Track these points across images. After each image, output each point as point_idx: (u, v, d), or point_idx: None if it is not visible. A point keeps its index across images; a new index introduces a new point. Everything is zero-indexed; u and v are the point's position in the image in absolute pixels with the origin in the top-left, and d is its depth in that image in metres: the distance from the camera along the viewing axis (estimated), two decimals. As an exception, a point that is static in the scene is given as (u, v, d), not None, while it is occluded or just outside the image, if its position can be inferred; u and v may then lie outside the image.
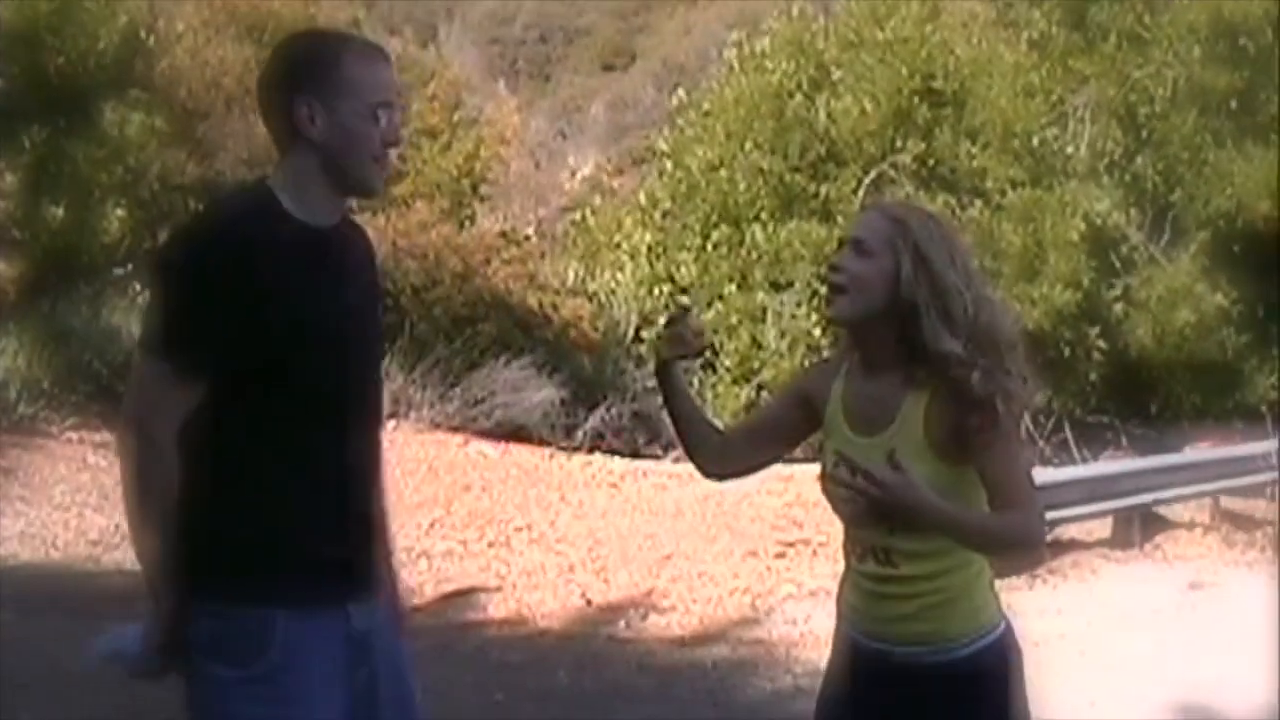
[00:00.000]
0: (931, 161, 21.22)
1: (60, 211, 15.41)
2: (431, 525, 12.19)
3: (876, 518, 3.37)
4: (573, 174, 34.93)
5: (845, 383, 3.56)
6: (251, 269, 3.13)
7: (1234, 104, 21.48)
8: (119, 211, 16.12)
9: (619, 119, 50.74)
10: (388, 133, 3.30)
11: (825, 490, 3.55)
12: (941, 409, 3.37)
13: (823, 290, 3.53)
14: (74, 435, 13.59)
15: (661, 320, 3.58)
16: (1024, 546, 3.52)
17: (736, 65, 23.37)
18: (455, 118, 19.84)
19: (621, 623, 9.75)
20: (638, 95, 52.08)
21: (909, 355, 3.42)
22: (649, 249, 22.05)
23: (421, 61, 21.89)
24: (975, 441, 3.36)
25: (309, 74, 3.24)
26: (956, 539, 3.40)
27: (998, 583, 9.68)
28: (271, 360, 3.14)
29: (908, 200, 4.08)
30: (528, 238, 20.61)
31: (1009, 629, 3.56)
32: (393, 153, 3.44)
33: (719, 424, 4.34)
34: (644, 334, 20.80)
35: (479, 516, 12.56)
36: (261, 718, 3.18)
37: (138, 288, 15.81)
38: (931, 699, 3.47)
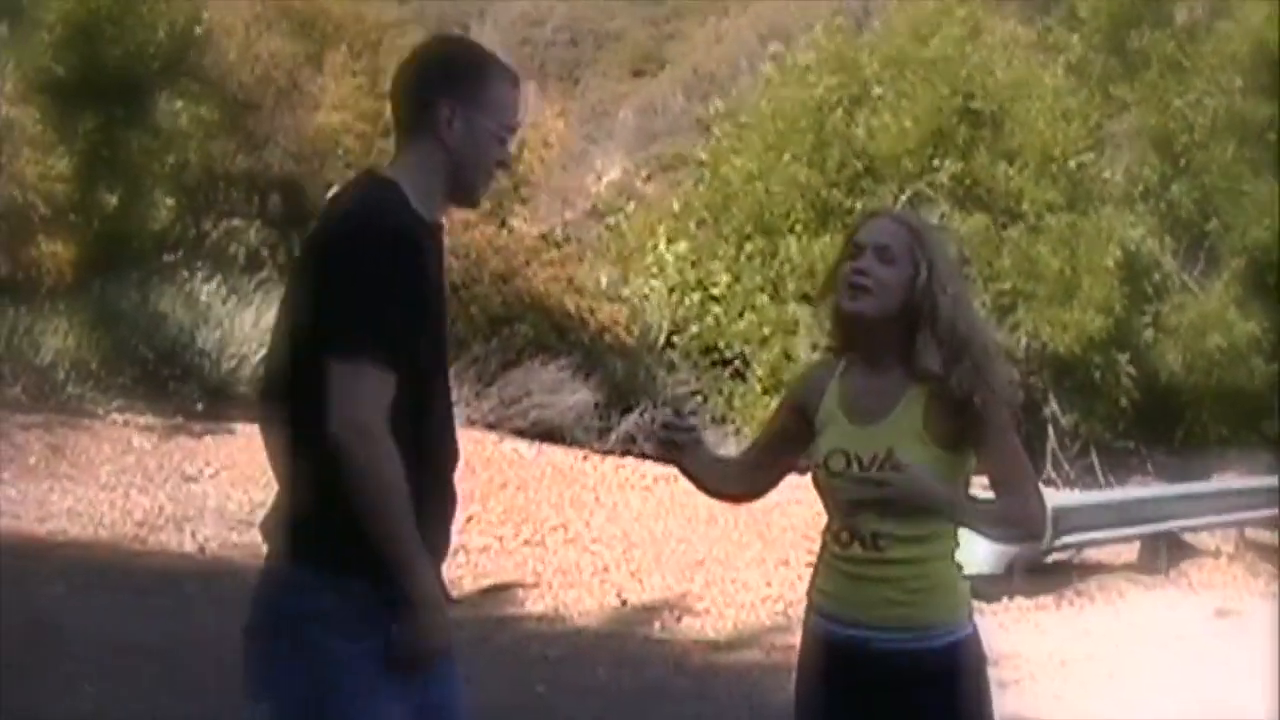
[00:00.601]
0: (968, 181, 21.31)
1: (113, 198, 15.60)
2: (468, 520, 12.33)
3: (879, 507, 3.60)
4: (599, 178, 35.01)
5: (843, 380, 3.79)
6: (423, 263, 3.32)
7: (1272, 135, 21.56)
8: (169, 200, 16.31)
9: (647, 125, 50.82)
10: (504, 154, 3.49)
11: (817, 481, 3.77)
12: (940, 403, 3.62)
13: None
14: (119, 417, 13.80)
15: (657, 422, 3.78)
16: (1023, 526, 3.83)
17: (777, 77, 23.51)
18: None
19: (656, 624, 9.93)
20: (667, 102, 52.16)
21: (912, 352, 3.66)
22: (682, 257, 22.21)
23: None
24: (969, 435, 3.64)
25: (459, 81, 3.41)
26: (961, 523, 3.67)
27: (1027, 602, 9.87)
28: (417, 352, 3.30)
29: (909, 210, 4.31)
30: (567, 240, 20.76)
31: (979, 633, 3.77)
32: (500, 174, 3.64)
33: (733, 448, 4.63)
34: (676, 340, 20.98)
35: (515, 514, 12.73)
36: (372, 691, 3.33)
37: (185, 274, 16.04)
38: (910, 692, 3.63)
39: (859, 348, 3.76)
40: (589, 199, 30.78)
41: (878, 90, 22.14)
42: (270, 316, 15.66)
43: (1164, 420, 21.83)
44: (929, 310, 3.64)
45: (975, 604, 10.47)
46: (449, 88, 3.41)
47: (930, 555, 3.67)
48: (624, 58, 59.81)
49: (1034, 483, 3.78)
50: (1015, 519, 3.73)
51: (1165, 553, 13.61)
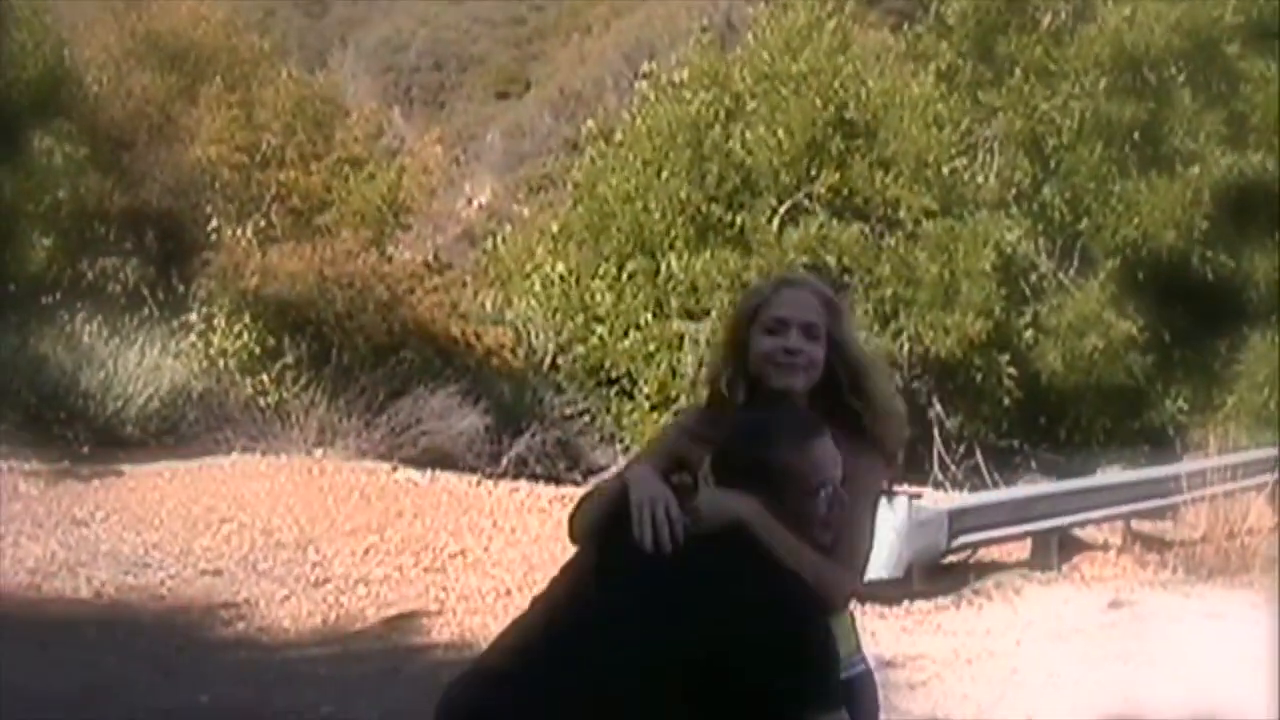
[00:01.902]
0: (846, 191, 21.52)
1: (-12, 241, 15.42)
2: (366, 551, 12.30)
3: None
4: (470, 201, 35.00)
5: None
6: None
7: (1138, 135, 21.97)
8: (45, 240, 16.13)
9: (515, 147, 50.91)
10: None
11: None
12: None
13: None
14: (4, 464, 13.60)
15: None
16: (821, 589, 3.46)
17: (651, 95, 23.59)
18: (376, 148, 19.97)
19: (564, 645, 9.91)
20: (534, 123, 52.25)
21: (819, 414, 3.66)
22: (562, 278, 22.21)
23: (334, 89, 21.93)
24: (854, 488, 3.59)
25: None
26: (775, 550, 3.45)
27: (926, 604, 9.93)
28: None
29: (816, 277, 4.28)
30: (449, 266, 20.72)
31: (871, 673, 3.78)
32: None
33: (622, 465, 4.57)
34: (561, 362, 20.98)
35: (413, 542, 12.67)
36: None
37: (65, 315, 15.84)
38: None
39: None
40: (460, 223, 30.73)
41: (751, 104, 22.30)
42: (153, 354, 15.58)
43: (1046, 418, 22.20)
44: (849, 380, 3.74)
45: (877, 608, 10.59)
46: None
47: None
48: (488, 80, 59.82)
49: (857, 556, 3.64)
50: (821, 579, 3.43)
51: (1056, 548, 13.80)
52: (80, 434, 14.48)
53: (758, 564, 3.29)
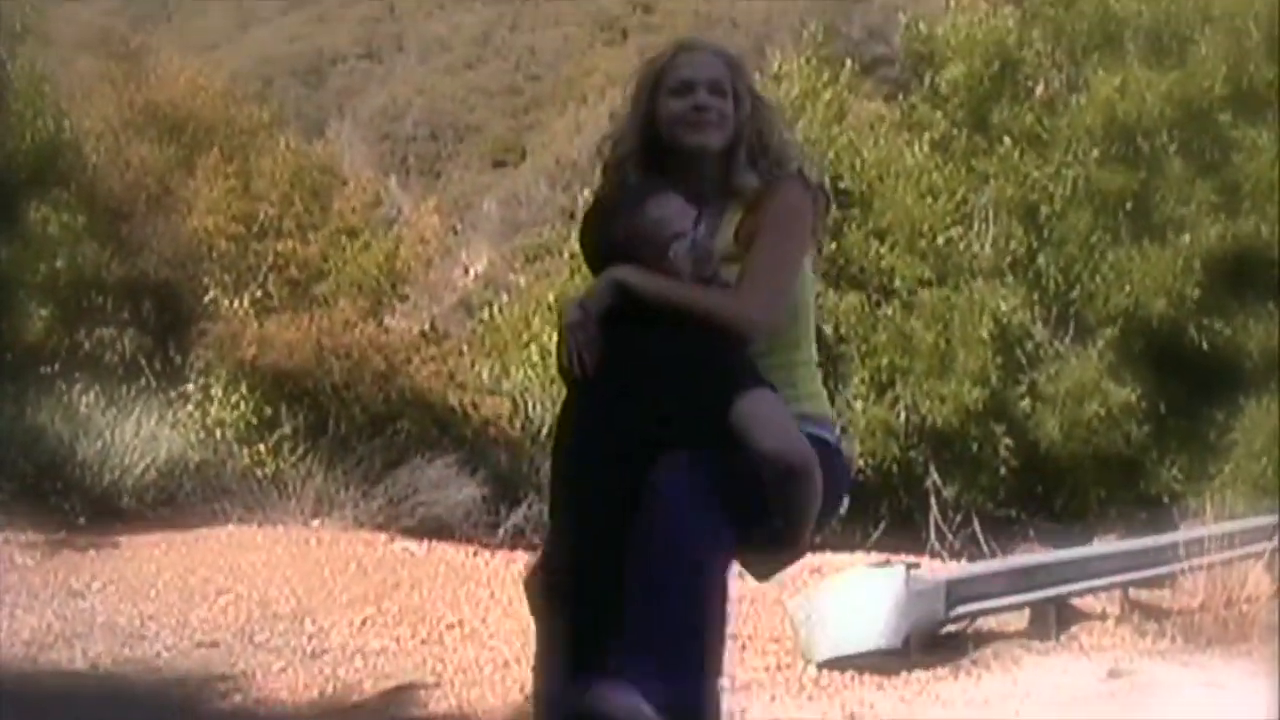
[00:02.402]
0: (841, 260, 21.60)
1: (-15, 311, 15.46)
2: (363, 623, 12.26)
3: None
4: (466, 270, 35.08)
5: None
6: None
7: (1130, 204, 22.04)
8: (42, 310, 16.16)
9: (512, 216, 51.12)
10: None
11: None
12: (748, 215, 3.72)
13: None
14: (-1, 535, 13.60)
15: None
16: (724, 323, 3.55)
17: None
18: (373, 217, 20.06)
19: (563, 717, 9.87)
20: (530, 192, 52.51)
21: (731, 174, 3.78)
22: (554, 311, 22.23)
23: (332, 159, 22.04)
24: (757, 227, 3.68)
25: None
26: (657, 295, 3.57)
27: (925, 674, 9.88)
28: None
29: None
30: (446, 335, 20.76)
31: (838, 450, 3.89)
32: None
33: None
34: (557, 431, 20.94)
35: (410, 613, 12.63)
36: None
37: (62, 385, 15.85)
38: None
39: (684, 183, 3.77)
40: (456, 292, 30.80)
41: (747, 174, 22.33)
42: (150, 425, 15.57)
43: (1043, 487, 22.17)
44: (755, 136, 3.80)
45: (875, 678, 10.56)
46: None
47: None
48: (485, 149, 60.12)
49: (771, 280, 3.64)
50: (719, 313, 3.55)
51: (1055, 617, 13.75)
52: (77, 504, 14.46)
53: (640, 320, 3.52)
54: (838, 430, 3.91)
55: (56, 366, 16.39)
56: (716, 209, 3.76)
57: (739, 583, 3.73)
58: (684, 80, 3.76)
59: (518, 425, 19.62)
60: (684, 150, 3.75)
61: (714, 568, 3.45)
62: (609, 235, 3.68)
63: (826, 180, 4.36)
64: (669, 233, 3.59)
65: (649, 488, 3.37)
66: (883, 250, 21.64)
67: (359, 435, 16.78)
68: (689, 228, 3.60)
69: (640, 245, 3.60)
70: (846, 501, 3.93)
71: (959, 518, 20.99)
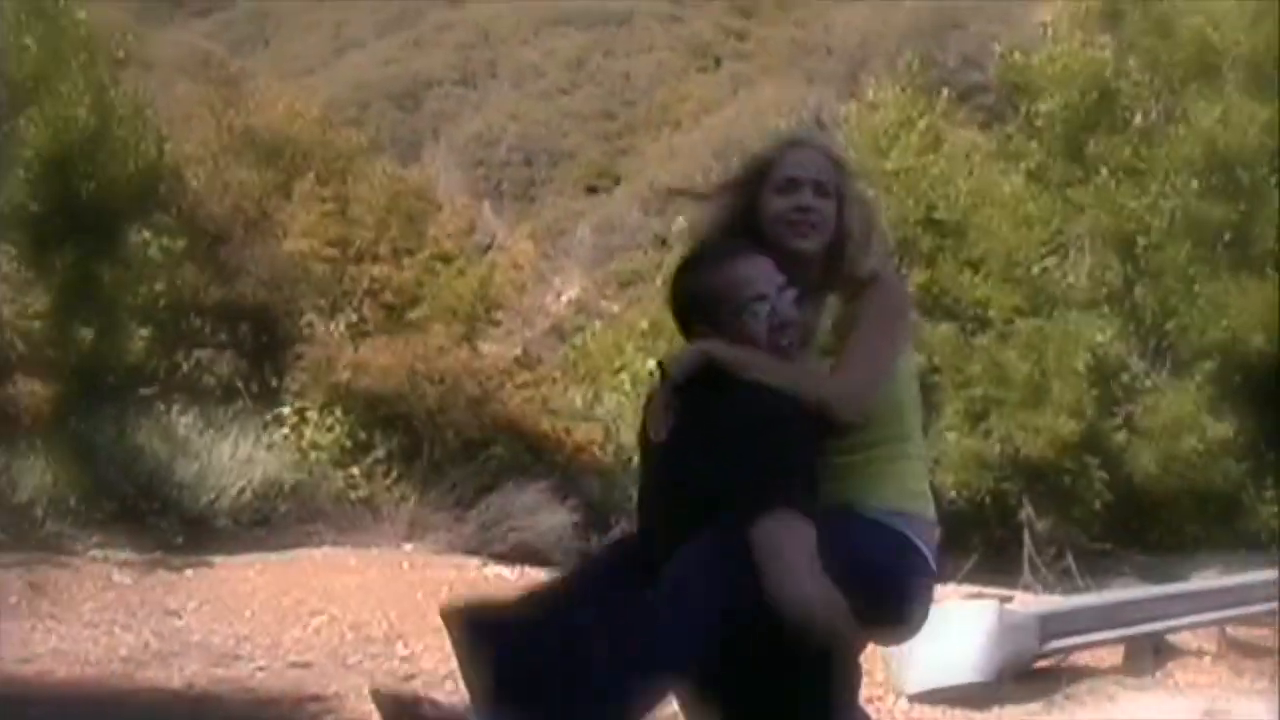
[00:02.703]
0: (935, 290, 21.50)
1: (89, 332, 15.65)
2: (455, 647, 12.28)
3: None
4: (558, 296, 35.17)
5: None
6: None
7: (1228, 236, 21.81)
8: (142, 332, 16.39)
9: (604, 241, 51.16)
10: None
11: None
12: (849, 311, 3.69)
13: None
14: (99, 553, 13.74)
15: None
16: (814, 402, 3.53)
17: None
18: (468, 243, 20.22)
19: (652, 743, 9.85)
20: (623, 218, 52.54)
21: (837, 272, 3.75)
22: (651, 375, 22.20)
23: (426, 184, 22.22)
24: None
25: None
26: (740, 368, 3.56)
27: (1017, 709, 9.78)
28: None
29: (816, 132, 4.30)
30: (539, 361, 20.85)
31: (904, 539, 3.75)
32: None
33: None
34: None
35: (501, 639, 12.64)
36: None
37: (161, 407, 16.06)
38: None
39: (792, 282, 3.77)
40: (549, 318, 30.91)
41: (840, 204, 22.28)
42: (246, 447, 15.73)
43: (1138, 521, 21.91)
44: (860, 234, 3.78)
45: (967, 712, 10.46)
46: None
47: None
48: (578, 175, 60.22)
49: (866, 370, 3.62)
50: (806, 393, 3.53)
51: (1150, 654, 13.61)
52: (173, 525, 14.61)
53: (718, 388, 3.49)
54: (936, 533, 3.79)
55: (155, 388, 16.61)
56: (814, 306, 3.71)
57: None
58: (790, 179, 3.74)
59: (609, 451, 19.65)
60: (786, 252, 3.72)
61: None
62: (691, 288, 3.69)
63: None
64: (750, 294, 3.57)
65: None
66: (977, 280, 21.53)
67: (452, 460, 16.87)
68: (771, 292, 3.58)
69: (719, 303, 3.59)
70: (930, 600, 3.86)
71: (1053, 551, 20.80)
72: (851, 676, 3.73)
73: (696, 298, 3.64)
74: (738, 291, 3.58)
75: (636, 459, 3.94)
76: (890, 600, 3.62)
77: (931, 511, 3.80)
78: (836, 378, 3.58)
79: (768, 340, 3.55)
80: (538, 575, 14.82)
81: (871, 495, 3.63)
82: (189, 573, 13.67)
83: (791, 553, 3.38)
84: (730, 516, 3.37)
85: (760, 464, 3.41)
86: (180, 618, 12.41)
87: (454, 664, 10.96)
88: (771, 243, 3.72)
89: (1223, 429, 20.76)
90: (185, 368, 17.53)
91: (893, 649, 11.38)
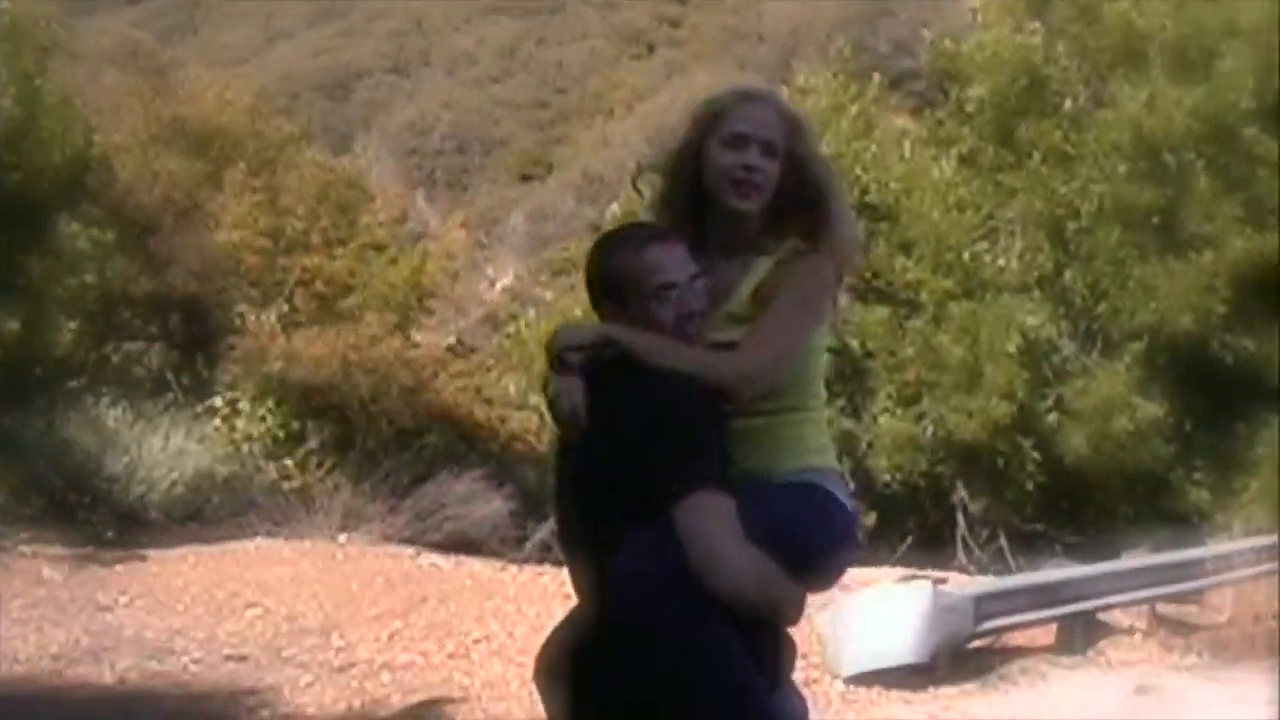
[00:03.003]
0: (869, 274, 21.57)
1: (16, 324, 15.49)
2: (391, 637, 12.27)
3: None
4: (492, 284, 35.07)
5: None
6: None
7: (1156, 220, 22.00)
8: (70, 324, 16.24)
9: (539, 229, 51.08)
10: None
11: None
12: (772, 282, 3.62)
13: None
14: (28, 549, 13.61)
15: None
16: (708, 378, 3.49)
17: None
18: (400, 232, 20.18)
19: (589, 733, 9.86)
20: (557, 206, 52.47)
21: (764, 236, 3.70)
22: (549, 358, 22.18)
23: (358, 174, 22.14)
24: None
25: None
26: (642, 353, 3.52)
27: (952, 689, 9.85)
28: None
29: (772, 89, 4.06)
30: (473, 350, 20.81)
31: (825, 492, 3.75)
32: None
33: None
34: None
35: (437, 628, 12.63)
36: None
37: (90, 400, 15.93)
38: None
39: (722, 237, 3.73)
40: (483, 306, 30.83)
41: (774, 188, 22.35)
42: (178, 439, 15.62)
43: (1070, 502, 22.10)
44: (811, 197, 3.70)
45: (903, 694, 10.52)
46: None
47: None
48: (511, 163, 60.11)
49: (772, 349, 3.56)
50: (709, 372, 3.48)
51: (1082, 633, 13.73)
52: (104, 519, 14.52)
53: (625, 374, 3.48)
54: (846, 486, 3.82)
55: (84, 380, 16.49)
56: (741, 264, 3.69)
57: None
58: (738, 134, 3.67)
59: (545, 440, 19.63)
60: (724, 210, 3.68)
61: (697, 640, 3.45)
62: (604, 268, 3.66)
63: (859, 240, 4.12)
64: (659, 281, 3.55)
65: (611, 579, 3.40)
66: (909, 264, 21.63)
67: (386, 450, 16.81)
68: (681, 280, 3.55)
69: (628, 287, 3.57)
70: (857, 542, 3.90)
71: (986, 533, 20.94)
72: (786, 648, 3.75)
73: (608, 279, 3.63)
74: (648, 277, 3.55)
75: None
76: (820, 553, 3.64)
77: (834, 459, 3.82)
78: (740, 356, 3.54)
79: (673, 327, 3.54)
80: (473, 565, 14.86)
81: (780, 461, 3.64)
82: (120, 567, 13.57)
83: (716, 530, 3.39)
84: (654, 504, 3.39)
85: (672, 448, 3.42)
86: (112, 613, 12.33)
87: (390, 654, 10.96)
88: (710, 197, 3.69)
89: (1152, 409, 20.95)
90: (115, 360, 17.41)
91: (829, 631, 11.46)
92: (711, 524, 3.39)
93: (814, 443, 3.72)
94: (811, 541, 3.59)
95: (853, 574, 13.69)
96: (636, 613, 3.35)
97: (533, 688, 10.63)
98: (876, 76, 24.68)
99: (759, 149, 3.66)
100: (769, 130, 3.68)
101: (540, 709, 9.45)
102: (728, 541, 3.39)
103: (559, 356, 3.59)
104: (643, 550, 3.37)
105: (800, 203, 3.71)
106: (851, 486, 3.92)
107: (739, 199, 3.66)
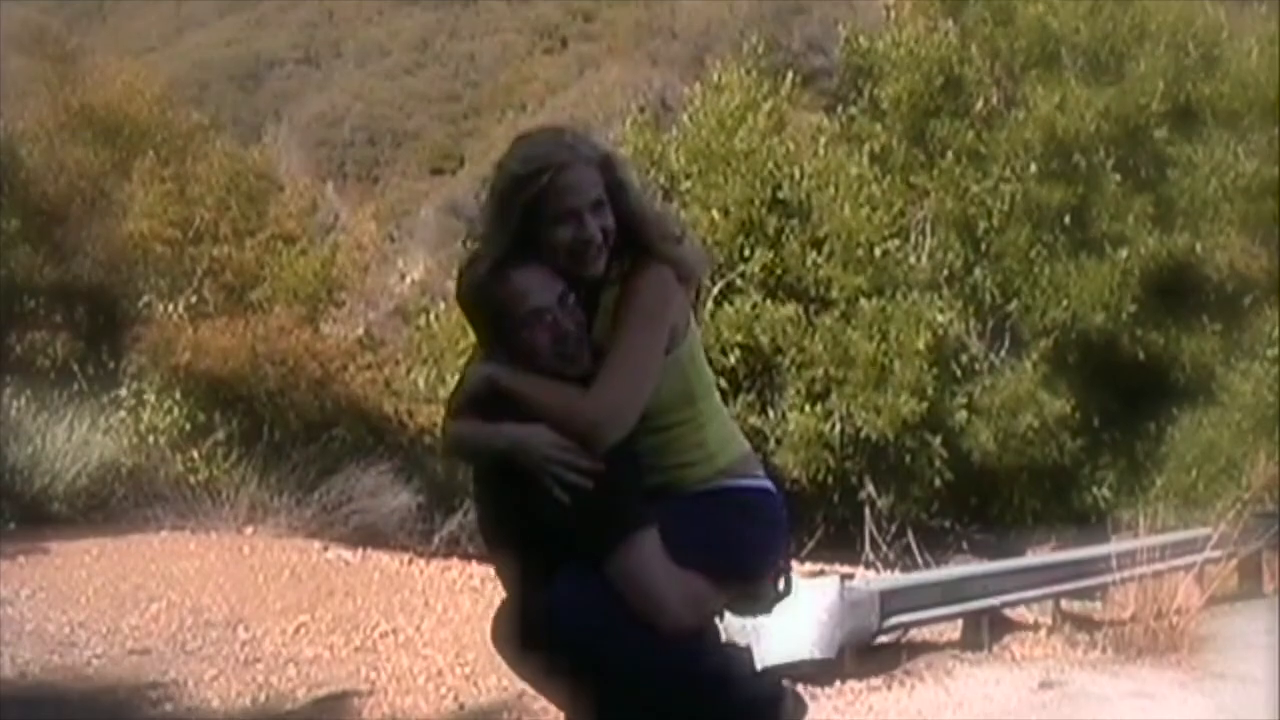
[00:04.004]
0: (779, 270, 21.67)
1: (-82, 314, 15.29)
2: (297, 630, 12.16)
3: None
4: (403, 277, 34.91)
5: None
6: None
7: (1067, 218, 22.22)
8: (-26, 313, 16.02)
9: (449, 223, 50.98)
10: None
11: None
12: (617, 306, 3.62)
13: None
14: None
15: None
16: (570, 422, 3.48)
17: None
18: (310, 223, 20.04)
19: (496, 726, 9.84)
20: (467, 199, 52.38)
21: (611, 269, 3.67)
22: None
23: (268, 164, 21.96)
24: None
25: None
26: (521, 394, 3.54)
27: (858, 684, 9.87)
28: None
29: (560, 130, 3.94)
30: (382, 343, 20.70)
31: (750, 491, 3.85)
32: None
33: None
34: (494, 440, 20.91)
35: (344, 622, 12.54)
36: None
37: (-9, 388, 15.71)
38: None
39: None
40: (393, 299, 30.70)
41: (686, 184, 22.44)
42: (82, 430, 15.41)
43: (977, 498, 22.29)
44: (631, 227, 3.68)
45: (809, 689, 10.56)
46: None
47: None
48: (423, 156, 60.06)
49: (624, 384, 3.53)
50: (570, 422, 3.48)
51: (988, 628, 13.81)
52: (6, 510, 14.30)
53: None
54: (760, 471, 3.87)
55: (-11, 371, 16.24)
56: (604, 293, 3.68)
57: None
58: (569, 209, 3.60)
59: (454, 433, 19.57)
60: (578, 281, 3.63)
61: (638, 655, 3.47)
62: (473, 299, 3.64)
63: (699, 249, 4.00)
64: (528, 308, 3.53)
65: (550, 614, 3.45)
66: (820, 261, 21.74)
67: (293, 442, 16.68)
68: (550, 303, 3.53)
69: (499, 316, 3.56)
70: (785, 529, 3.93)
71: (893, 528, 21.09)
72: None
73: (479, 309, 3.61)
74: (516, 305, 3.53)
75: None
76: (746, 564, 3.75)
77: (743, 444, 3.86)
78: (594, 399, 3.50)
79: (550, 351, 3.53)
80: (380, 558, 14.77)
81: (688, 474, 3.67)
82: (22, 559, 13.39)
83: (648, 575, 3.45)
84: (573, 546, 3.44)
85: (584, 508, 3.44)
86: (13, 605, 12.14)
87: (297, 647, 10.83)
88: (559, 269, 3.62)
89: (1059, 407, 21.18)
90: (18, 350, 17.12)
91: (735, 627, 11.47)
92: (639, 570, 3.45)
93: (714, 444, 3.74)
94: (728, 557, 3.66)
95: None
96: (584, 651, 3.42)
97: (439, 681, 10.59)
98: (790, 73, 24.79)
99: (589, 212, 3.61)
100: (593, 191, 3.64)
101: (446, 702, 9.37)
102: (660, 583, 3.46)
103: (459, 406, 3.62)
104: (579, 589, 3.43)
105: (625, 232, 3.68)
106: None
107: (582, 268, 3.62)
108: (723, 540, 3.62)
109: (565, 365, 3.53)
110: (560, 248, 3.59)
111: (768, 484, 3.84)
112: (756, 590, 3.78)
